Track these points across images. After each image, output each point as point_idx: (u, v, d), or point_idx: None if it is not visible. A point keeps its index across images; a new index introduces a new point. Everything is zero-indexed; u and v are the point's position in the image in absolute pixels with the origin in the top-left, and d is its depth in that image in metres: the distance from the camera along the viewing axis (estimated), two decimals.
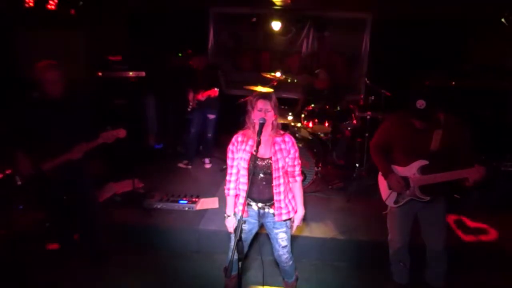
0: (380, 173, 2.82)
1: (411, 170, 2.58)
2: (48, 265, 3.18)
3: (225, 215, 2.56)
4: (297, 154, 2.47)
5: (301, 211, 2.56)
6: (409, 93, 2.41)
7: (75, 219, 3.15)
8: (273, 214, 2.47)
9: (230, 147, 2.48)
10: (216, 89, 4.57)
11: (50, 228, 3.34)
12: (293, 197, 2.54)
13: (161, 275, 3.21)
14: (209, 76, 4.74)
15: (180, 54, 6.33)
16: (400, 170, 2.65)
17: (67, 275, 3.10)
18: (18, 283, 3.04)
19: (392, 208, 2.77)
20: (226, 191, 2.56)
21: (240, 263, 2.11)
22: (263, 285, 2.73)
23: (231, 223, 2.54)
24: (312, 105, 4.74)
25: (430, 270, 2.83)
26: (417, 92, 2.36)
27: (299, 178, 2.53)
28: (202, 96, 4.62)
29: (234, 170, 2.51)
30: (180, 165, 5.05)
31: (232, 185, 2.53)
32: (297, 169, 2.50)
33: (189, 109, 4.78)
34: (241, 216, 2.06)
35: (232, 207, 2.56)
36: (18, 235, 3.51)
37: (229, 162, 2.51)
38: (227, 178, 2.55)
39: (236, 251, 2.01)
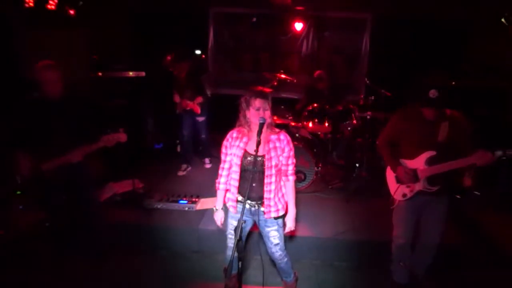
0: (388, 168, 2.85)
1: (419, 162, 2.61)
2: (48, 265, 3.18)
3: (214, 208, 2.59)
4: (291, 153, 2.46)
5: (292, 212, 2.53)
6: (420, 84, 2.47)
7: (75, 219, 3.15)
8: (264, 214, 2.48)
9: (225, 142, 2.50)
10: (200, 98, 4.53)
11: (50, 228, 3.34)
12: (283, 195, 2.54)
13: (161, 275, 3.21)
14: (193, 83, 4.62)
15: (167, 58, 6.31)
16: (408, 163, 2.68)
17: (67, 275, 3.10)
18: (18, 283, 3.04)
19: (400, 202, 2.78)
20: (216, 185, 2.59)
21: (240, 262, 2.11)
22: (263, 285, 2.72)
23: (219, 217, 2.59)
24: (312, 105, 4.75)
25: (417, 258, 2.89)
26: (429, 82, 2.43)
27: (292, 178, 2.51)
28: (186, 106, 4.59)
29: (227, 165, 2.54)
30: (179, 173, 5.00)
31: (223, 180, 2.57)
32: (291, 168, 2.49)
33: (177, 112, 4.74)
34: (241, 216, 2.05)
35: (221, 201, 2.59)
36: (18, 235, 3.51)
37: (222, 157, 2.54)
38: (219, 172, 2.58)
39: (236, 250, 2.01)
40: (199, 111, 4.59)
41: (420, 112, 2.52)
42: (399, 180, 2.74)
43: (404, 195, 2.72)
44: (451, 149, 2.48)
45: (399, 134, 2.71)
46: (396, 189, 2.76)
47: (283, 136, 2.45)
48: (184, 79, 4.62)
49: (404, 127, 2.66)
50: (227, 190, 2.58)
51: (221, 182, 2.58)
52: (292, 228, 2.55)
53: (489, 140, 2.51)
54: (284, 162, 2.44)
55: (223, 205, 2.61)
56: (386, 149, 2.80)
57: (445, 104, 2.44)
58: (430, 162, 2.56)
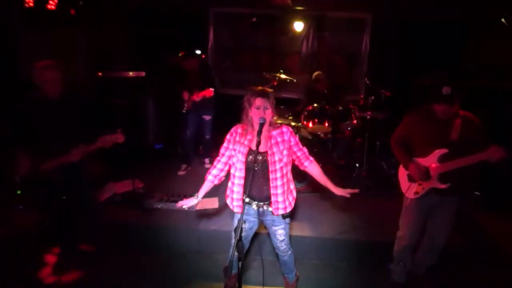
0: (400, 167, 2.86)
1: (431, 160, 2.62)
2: (48, 265, 3.18)
3: (196, 194, 2.55)
4: (297, 139, 2.51)
5: (332, 185, 2.49)
6: (433, 82, 2.51)
7: (75, 219, 3.14)
8: (272, 213, 2.48)
9: (228, 136, 2.50)
10: (211, 89, 4.55)
11: (50, 228, 3.34)
12: (291, 191, 2.55)
13: (161, 275, 3.21)
14: (203, 77, 4.69)
15: (180, 54, 6.33)
16: (421, 161, 2.69)
17: (67, 275, 3.10)
18: (18, 283, 3.04)
19: (411, 201, 2.78)
20: (207, 174, 2.57)
21: (240, 262, 2.11)
22: (263, 285, 2.73)
23: (190, 201, 2.52)
24: (312, 105, 4.75)
25: (420, 259, 2.90)
26: (442, 80, 2.47)
27: (312, 158, 2.56)
28: (197, 97, 4.60)
29: (224, 159, 2.53)
30: (180, 172, 5.01)
31: (215, 172, 2.55)
32: (305, 150, 2.54)
33: (183, 111, 4.75)
34: (241, 216, 2.05)
35: (204, 191, 2.56)
36: (18, 235, 3.51)
37: (222, 150, 2.53)
38: (214, 163, 2.57)
39: (236, 251, 2.01)
40: (211, 93, 4.56)
41: (433, 112, 2.54)
42: (411, 178, 2.75)
43: (416, 193, 2.73)
44: (464, 148, 2.48)
45: (412, 133, 2.73)
46: (408, 187, 2.78)
47: (286, 129, 2.47)
48: (195, 74, 4.66)
49: (417, 126, 2.68)
50: (229, 193, 2.56)
51: (211, 173, 2.55)
52: (344, 190, 2.46)
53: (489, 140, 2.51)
54: (296, 148, 2.49)
55: (203, 196, 2.57)
56: (398, 147, 2.82)
57: (457, 101, 2.45)
58: (442, 159, 2.57)
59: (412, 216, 2.79)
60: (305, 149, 2.55)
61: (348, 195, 2.48)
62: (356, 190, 2.47)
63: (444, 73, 5.77)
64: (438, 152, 2.58)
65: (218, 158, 2.56)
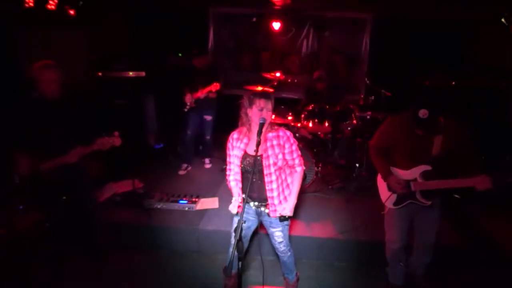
0: (379, 175, 2.79)
1: (413, 174, 2.56)
2: (48, 265, 3.18)
3: (233, 198, 2.58)
4: (294, 147, 2.43)
5: (292, 201, 2.48)
6: (411, 101, 2.39)
7: (74, 219, 3.14)
8: (268, 215, 2.49)
9: (228, 144, 2.54)
10: (216, 83, 4.55)
11: (50, 228, 3.34)
12: (290, 194, 2.51)
13: (161, 275, 3.21)
14: (211, 74, 4.71)
15: (180, 54, 6.33)
16: (402, 173, 2.62)
17: (67, 275, 3.10)
18: (18, 283, 3.04)
19: (391, 209, 2.75)
20: (227, 183, 2.64)
21: (240, 262, 2.11)
22: (263, 285, 2.73)
23: (234, 204, 2.54)
24: (312, 105, 4.75)
25: (416, 259, 2.87)
26: (419, 101, 2.33)
27: (299, 169, 2.50)
28: (202, 93, 4.61)
29: (232, 166, 2.57)
30: (180, 172, 5.01)
31: (232, 178, 2.60)
32: (297, 161, 2.47)
33: (185, 110, 4.75)
34: (241, 216, 2.05)
35: (236, 192, 2.58)
36: (18, 235, 3.51)
37: (227, 158, 2.58)
38: (227, 172, 2.63)
39: (236, 251, 2.01)
40: (218, 86, 4.59)
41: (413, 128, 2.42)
42: (391, 188, 2.68)
43: (396, 203, 2.68)
44: (447, 163, 2.41)
45: (391, 143, 2.63)
46: (388, 197, 2.70)
47: (282, 133, 2.43)
48: (204, 71, 4.70)
49: (397, 137, 2.57)
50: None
51: (231, 180, 2.61)
52: (290, 215, 2.48)
53: (488, 141, 2.48)
54: (288, 157, 2.42)
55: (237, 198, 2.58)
56: (377, 156, 2.71)
57: (435, 125, 2.33)
58: (425, 176, 2.50)
59: (395, 221, 2.74)
60: (297, 160, 2.45)
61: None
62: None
63: (443, 74, 5.79)
64: (421, 168, 2.50)
65: (228, 166, 2.60)
